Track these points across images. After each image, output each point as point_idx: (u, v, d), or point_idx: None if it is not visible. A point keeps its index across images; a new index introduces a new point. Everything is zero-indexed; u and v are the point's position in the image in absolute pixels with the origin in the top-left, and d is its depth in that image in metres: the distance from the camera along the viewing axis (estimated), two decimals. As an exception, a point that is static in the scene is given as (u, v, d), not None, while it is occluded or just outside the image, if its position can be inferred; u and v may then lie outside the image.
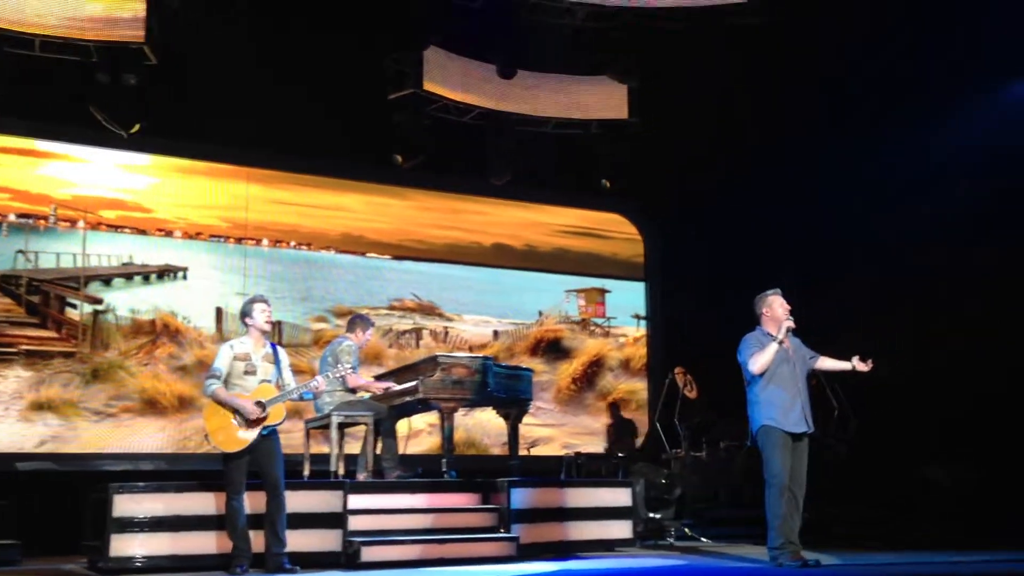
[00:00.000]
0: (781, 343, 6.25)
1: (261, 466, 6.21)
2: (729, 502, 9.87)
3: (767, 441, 6.21)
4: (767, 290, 6.55)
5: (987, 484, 8.78)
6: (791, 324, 6.30)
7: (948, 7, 9.21)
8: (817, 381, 10.27)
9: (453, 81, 10.35)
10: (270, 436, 6.22)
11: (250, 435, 6.13)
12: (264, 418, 6.15)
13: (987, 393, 9.14)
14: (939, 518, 8.79)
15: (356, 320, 7.90)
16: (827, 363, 6.56)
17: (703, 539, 8.71)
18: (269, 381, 6.29)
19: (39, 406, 9.23)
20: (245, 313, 6.42)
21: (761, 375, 6.25)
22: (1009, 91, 9.57)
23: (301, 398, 6.46)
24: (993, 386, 9.10)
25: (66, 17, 8.67)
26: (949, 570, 6.38)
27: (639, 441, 11.29)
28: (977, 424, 9.16)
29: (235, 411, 6.13)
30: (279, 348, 6.53)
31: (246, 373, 6.25)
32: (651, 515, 8.64)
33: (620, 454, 9.93)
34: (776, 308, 6.40)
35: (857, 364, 6.37)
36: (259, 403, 6.14)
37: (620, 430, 11.19)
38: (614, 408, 11.59)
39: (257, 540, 6.27)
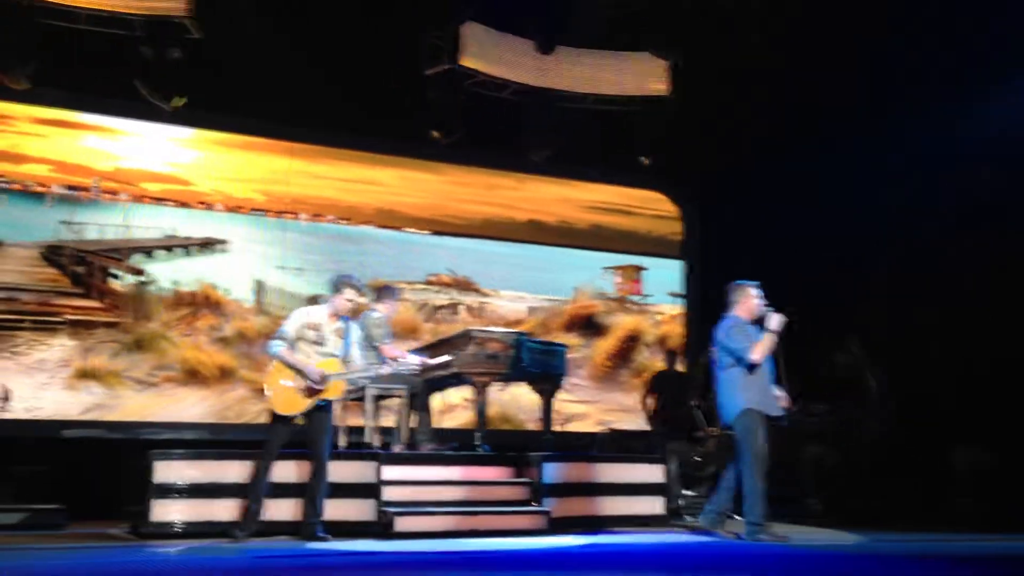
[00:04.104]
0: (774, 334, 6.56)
1: (311, 437, 6.29)
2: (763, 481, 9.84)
3: (750, 423, 6.52)
4: (744, 280, 6.85)
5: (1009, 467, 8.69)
6: (782, 318, 6.59)
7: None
8: (855, 361, 10.25)
9: (491, 56, 10.33)
10: (324, 408, 6.28)
11: (306, 402, 6.19)
12: (322, 390, 6.20)
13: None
14: (971, 498, 8.74)
15: (384, 291, 7.93)
16: None
17: (736, 516, 8.70)
18: (336, 355, 6.31)
19: (84, 374, 9.44)
20: (335, 287, 6.39)
21: (744, 363, 6.54)
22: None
23: (362, 379, 6.49)
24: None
25: (111, -10, 8.79)
26: (952, 551, 6.35)
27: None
28: (1006, 406, 9.04)
29: (298, 373, 6.16)
30: (352, 323, 6.51)
31: (315, 343, 6.27)
32: (684, 492, 8.65)
33: (653, 431, 9.93)
34: (752, 300, 6.72)
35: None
36: (323, 375, 6.18)
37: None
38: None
39: (295, 508, 6.37)
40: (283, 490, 6.52)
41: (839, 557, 6.05)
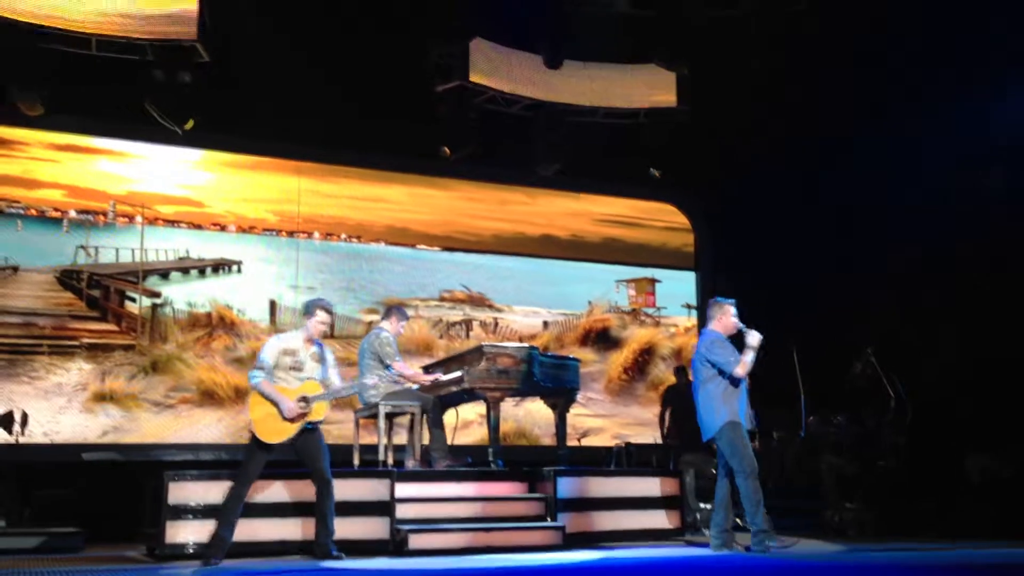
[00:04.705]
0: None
1: (308, 459, 6.30)
2: (780, 493, 9.77)
3: (736, 435, 6.63)
4: (722, 298, 7.00)
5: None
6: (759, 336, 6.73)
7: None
8: (873, 371, 10.17)
9: (500, 72, 10.37)
10: (313, 431, 6.30)
11: (293, 428, 6.21)
12: (307, 413, 6.23)
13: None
14: (984, 508, 8.65)
15: (393, 311, 7.96)
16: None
17: (739, 521, 8.63)
18: (314, 379, 6.36)
19: (101, 397, 9.50)
20: (307, 312, 6.45)
21: (725, 375, 6.66)
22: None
23: (347, 396, 6.51)
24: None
25: (121, 15, 8.87)
26: (962, 561, 6.26)
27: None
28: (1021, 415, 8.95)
29: (275, 406, 6.19)
30: (326, 348, 6.58)
31: (292, 368, 6.31)
32: (701, 505, 8.59)
33: (668, 444, 9.89)
34: (730, 316, 6.87)
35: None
36: (303, 398, 6.21)
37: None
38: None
39: (304, 527, 6.37)
40: (290, 510, 6.53)
41: (846, 568, 5.98)
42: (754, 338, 6.71)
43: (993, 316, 9.31)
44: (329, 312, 6.49)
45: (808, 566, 5.98)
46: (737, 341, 6.82)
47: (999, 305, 9.24)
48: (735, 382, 6.68)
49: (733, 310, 6.91)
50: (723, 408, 6.67)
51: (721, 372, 6.68)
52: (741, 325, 6.84)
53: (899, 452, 9.63)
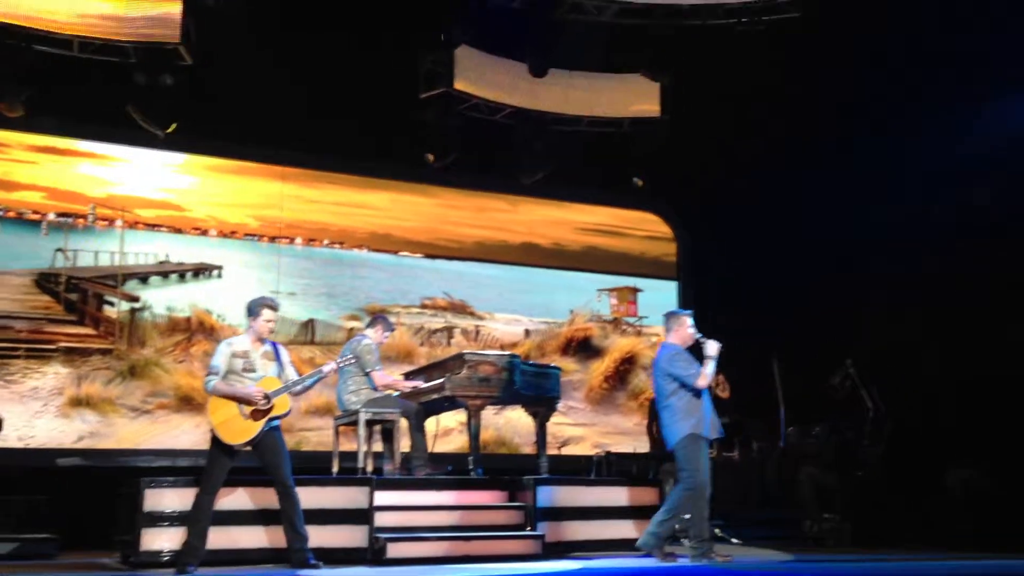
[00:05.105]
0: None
1: (267, 463, 6.23)
2: (760, 503, 9.80)
3: (694, 447, 6.65)
4: (678, 310, 7.12)
5: (1005, 488, 8.65)
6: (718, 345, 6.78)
7: (979, 6, 9.07)
8: (852, 382, 10.22)
9: (485, 80, 10.36)
10: (273, 431, 6.24)
11: (256, 427, 6.15)
12: (270, 409, 6.17)
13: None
14: (961, 521, 8.70)
15: (378, 319, 7.93)
16: None
17: (733, 540, 8.64)
18: (270, 376, 6.30)
19: (78, 402, 9.40)
20: (252, 312, 6.40)
21: (687, 388, 6.67)
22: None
23: (305, 388, 6.45)
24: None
25: (103, 16, 8.81)
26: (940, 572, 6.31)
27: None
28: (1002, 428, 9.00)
29: (240, 401, 6.15)
30: (280, 346, 6.53)
31: (245, 370, 6.26)
32: (682, 516, 8.57)
33: (649, 453, 9.88)
34: (686, 328, 6.89)
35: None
36: (264, 395, 6.18)
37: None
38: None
39: (273, 536, 6.32)
40: (269, 517, 6.44)
41: None
42: (712, 348, 6.75)
43: (976, 329, 9.36)
44: (275, 309, 6.45)
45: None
46: (697, 352, 6.84)
47: (982, 318, 9.30)
48: (697, 393, 6.69)
49: (690, 321, 6.94)
50: (684, 421, 6.67)
51: (683, 385, 6.69)
52: (699, 335, 6.87)
53: (877, 463, 9.68)
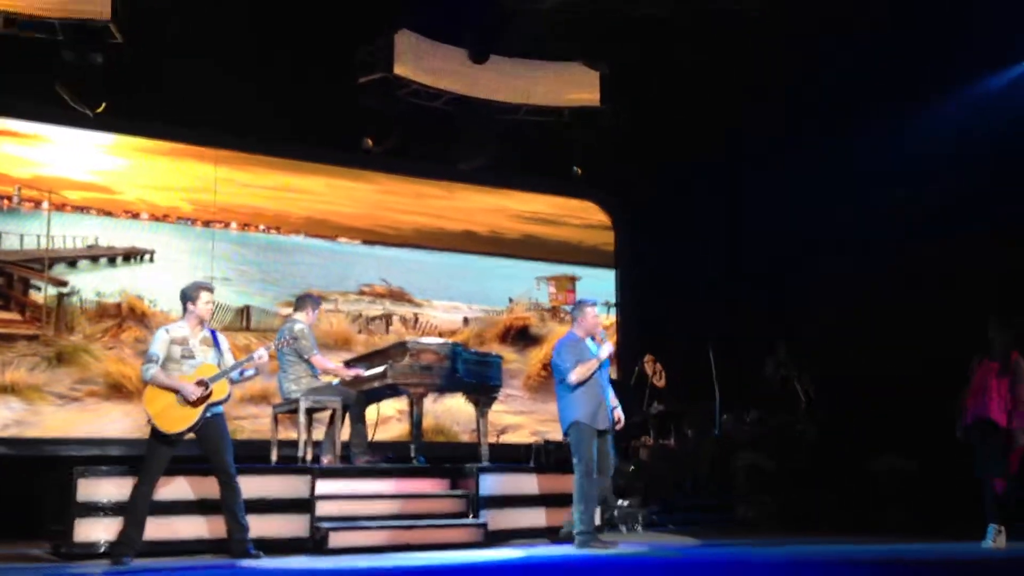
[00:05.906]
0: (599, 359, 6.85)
1: (209, 451, 6.15)
2: (696, 490, 9.95)
3: (579, 435, 6.79)
4: (585, 299, 7.21)
5: (928, 475, 8.93)
6: (611, 348, 7.00)
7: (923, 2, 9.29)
8: (784, 371, 10.44)
9: (424, 66, 10.25)
10: (216, 418, 6.16)
11: (195, 413, 6.05)
12: (208, 395, 6.08)
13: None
14: (886, 505, 8.98)
15: (306, 299, 7.78)
16: None
17: (669, 526, 8.77)
18: (208, 362, 6.22)
19: (2, 389, 9.09)
20: (188, 297, 6.30)
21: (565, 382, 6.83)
22: (982, 85, 9.68)
23: (242, 375, 6.36)
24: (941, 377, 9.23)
25: (31, -7, 8.50)
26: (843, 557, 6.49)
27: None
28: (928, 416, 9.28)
29: (175, 393, 6.04)
30: (218, 333, 6.46)
31: (183, 357, 6.16)
32: (619, 502, 8.67)
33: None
34: (589, 318, 7.01)
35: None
36: (201, 382, 6.08)
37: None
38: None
39: (213, 525, 6.21)
40: (207, 507, 6.36)
41: (674, 564, 6.16)
42: (604, 351, 6.87)
43: (902, 316, 9.62)
44: (211, 291, 6.39)
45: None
46: None
47: (914, 308, 9.55)
48: (575, 387, 6.75)
49: (594, 311, 7.04)
50: (574, 407, 6.80)
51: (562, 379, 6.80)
52: (601, 332, 7.00)
53: (808, 448, 9.91)
